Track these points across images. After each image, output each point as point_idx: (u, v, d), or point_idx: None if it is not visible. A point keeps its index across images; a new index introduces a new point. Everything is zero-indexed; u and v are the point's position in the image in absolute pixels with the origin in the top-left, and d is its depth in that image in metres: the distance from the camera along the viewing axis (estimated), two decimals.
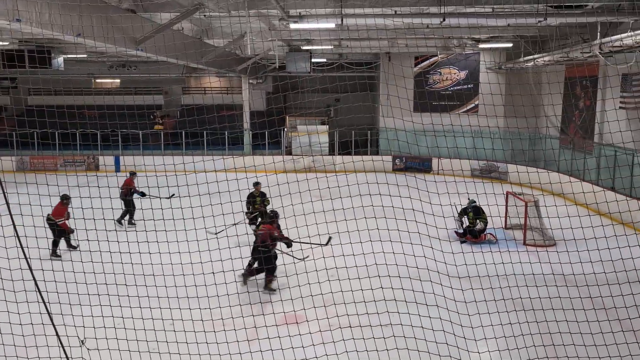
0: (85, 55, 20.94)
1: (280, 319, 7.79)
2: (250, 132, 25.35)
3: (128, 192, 13.74)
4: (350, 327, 7.26)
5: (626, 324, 7.42)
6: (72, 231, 11.17)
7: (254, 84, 26.62)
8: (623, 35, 11.85)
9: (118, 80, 31.03)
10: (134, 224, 13.65)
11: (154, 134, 25.79)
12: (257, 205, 11.63)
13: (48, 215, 11.03)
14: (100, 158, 23.92)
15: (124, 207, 13.67)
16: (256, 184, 11.79)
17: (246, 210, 11.61)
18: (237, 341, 6.77)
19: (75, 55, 20.14)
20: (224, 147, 24.34)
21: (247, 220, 11.40)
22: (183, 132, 24.41)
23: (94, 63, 24.91)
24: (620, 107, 15.78)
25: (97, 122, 24.40)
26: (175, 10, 12.20)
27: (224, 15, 12.92)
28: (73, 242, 11.54)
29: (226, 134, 24.28)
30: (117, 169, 22.82)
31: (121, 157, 23.39)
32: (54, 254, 11.08)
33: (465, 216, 12.88)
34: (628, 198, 13.56)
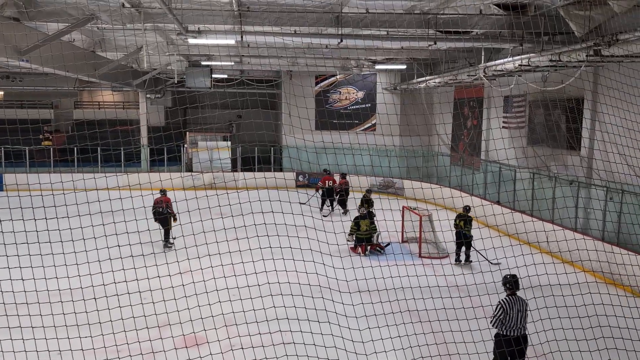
0: None
1: (179, 342, 7.52)
2: (148, 148, 24.47)
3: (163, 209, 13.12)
4: (252, 347, 7.16)
5: None
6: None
7: (152, 98, 25.78)
8: (504, 60, 12.88)
9: (1, 93, 28.76)
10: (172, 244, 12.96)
11: (41, 151, 24.09)
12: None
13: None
14: None
15: (162, 226, 13.02)
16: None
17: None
18: None
19: None
20: (119, 164, 23.27)
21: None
22: (74, 148, 23.04)
23: None
24: (502, 127, 17.07)
25: None
26: (65, 20, 11.57)
27: (118, 27, 12.44)
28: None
29: (121, 150, 23.24)
30: (0, 188, 21.02)
31: (4, 175, 21.59)
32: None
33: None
34: (512, 211, 14.63)
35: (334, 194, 18.66)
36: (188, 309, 7.43)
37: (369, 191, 15.83)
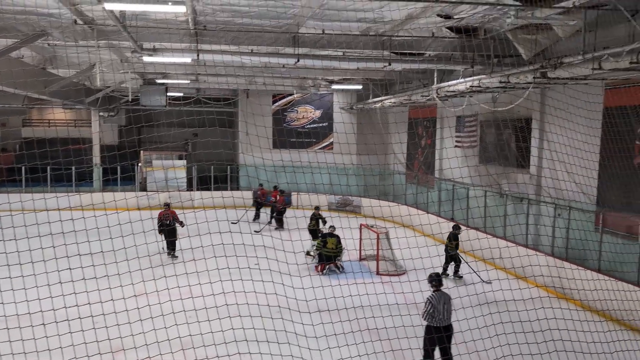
0: None
1: None
2: (101, 167, 23.86)
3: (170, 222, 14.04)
4: None
5: (471, 346, 8.05)
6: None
7: (105, 116, 25.22)
8: (456, 81, 13.27)
9: None
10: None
11: None
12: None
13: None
14: None
15: (168, 238, 13.85)
16: None
17: None
18: None
19: None
20: (71, 184, 22.56)
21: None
22: (22, 167, 22.21)
23: None
24: (455, 146, 17.51)
25: None
26: (14, 36, 11.25)
27: (70, 44, 12.17)
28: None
29: (73, 169, 22.55)
30: None
31: None
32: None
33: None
34: (466, 228, 14.94)
35: (275, 211, 19.08)
36: (143, 332, 7.22)
37: (317, 208, 15.96)
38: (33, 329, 6.79)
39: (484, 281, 11.93)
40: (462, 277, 12.85)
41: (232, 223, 12.92)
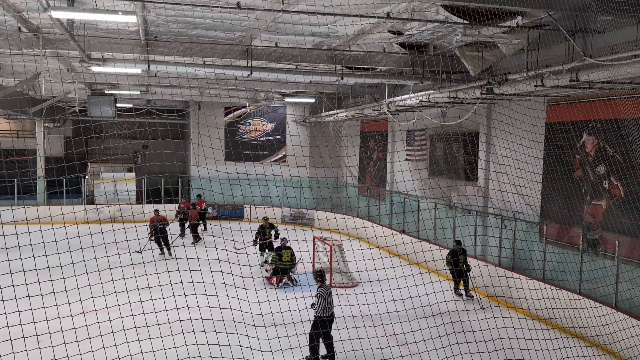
0: None
1: None
2: (46, 179, 23.00)
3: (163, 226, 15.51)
4: None
5: (424, 357, 8.18)
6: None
7: (51, 127, 24.38)
8: (406, 96, 13.57)
9: None
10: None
11: None
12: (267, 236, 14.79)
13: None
14: None
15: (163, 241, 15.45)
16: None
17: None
18: None
19: None
20: (13, 197, 21.64)
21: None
22: None
23: None
24: (406, 159, 17.86)
25: None
26: None
27: (14, 52, 11.76)
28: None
29: (15, 181, 21.65)
30: None
31: None
32: None
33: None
34: (416, 240, 15.22)
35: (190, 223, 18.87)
36: (92, 351, 6.98)
37: (266, 218, 15.73)
38: None
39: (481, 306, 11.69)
40: (473, 296, 12.43)
41: (137, 252, 11.28)
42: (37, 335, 6.95)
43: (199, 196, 20.47)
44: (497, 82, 9.92)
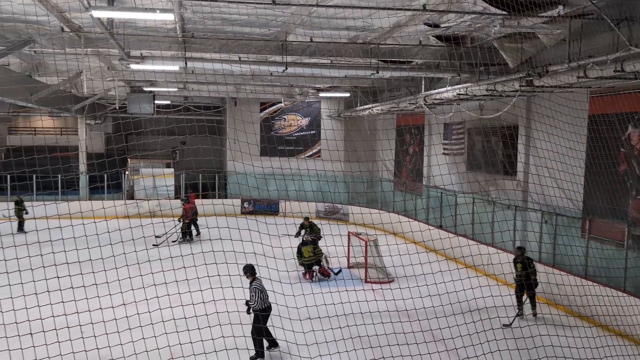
0: None
1: None
2: (87, 175, 23.66)
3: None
4: None
5: (461, 353, 8.07)
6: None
7: (92, 124, 25.05)
8: (443, 89, 13.38)
9: None
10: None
11: None
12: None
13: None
14: None
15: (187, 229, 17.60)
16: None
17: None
18: None
19: None
20: (57, 192, 22.34)
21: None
22: (8, 175, 21.95)
23: None
24: (443, 153, 17.63)
25: None
26: (0, 44, 11.17)
27: (57, 52, 12.11)
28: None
29: (59, 177, 22.34)
30: None
31: None
32: None
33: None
34: (453, 235, 15.02)
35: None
36: (132, 342, 7.15)
37: (306, 218, 15.77)
38: (20, 339, 6.70)
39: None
40: (536, 314, 10.70)
41: (154, 245, 13.42)
42: (80, 325, 7.17)
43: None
44: (538, 74, 9.67)
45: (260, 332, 8.22)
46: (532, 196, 13.31)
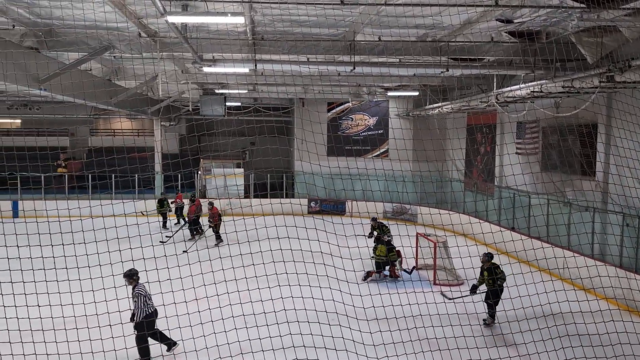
0: None
1: None
2: (162, 174, 24.67)
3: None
4: None
5: (544, 358, 7.76)
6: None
7: (167, 126, 26.11)
8: (516, 87, 12.91)
9: (19, 121, 29.29)
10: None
11: (58, 177, 24.38)
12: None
13: None
14: None
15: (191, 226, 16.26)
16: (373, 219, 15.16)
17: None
18: None
19: None
20: (134, 190, 23.46)
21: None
22: (89, 175, 23.31)
23: None
24: (516, 153, 17.02)
25: None
26: (82, 50, 11.85)
27: (135, 56, 12.70)
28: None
29: (136, 176, 23.45)
30: (15, 214, 21.21)
31: (20, 202, 21.83)
32: None
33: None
34: (527, 237, 14.46)
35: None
36: (204, 336, 7.39)
37: (374, 219, 15.59)
38: (100, 329, 7.07)
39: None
40: (489, 324, 9.52)
41: (161, 242, 12.89)
42: (165, 317, 7.44)
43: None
44: (619, 69, 9.13)
45: (144, 340, 7.67)
46: (612, 197, 12.60)
